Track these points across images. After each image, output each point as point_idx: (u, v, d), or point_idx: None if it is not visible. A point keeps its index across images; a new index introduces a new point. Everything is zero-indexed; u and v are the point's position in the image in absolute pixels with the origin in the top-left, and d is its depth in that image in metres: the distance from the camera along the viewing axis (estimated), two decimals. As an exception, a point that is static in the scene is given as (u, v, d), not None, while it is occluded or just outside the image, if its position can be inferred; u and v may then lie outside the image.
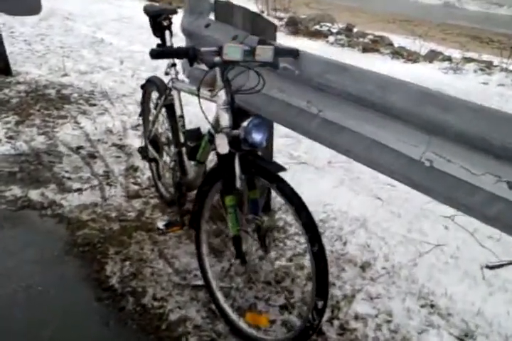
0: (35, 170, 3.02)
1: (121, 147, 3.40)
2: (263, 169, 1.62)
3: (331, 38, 9.58)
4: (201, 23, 2.24)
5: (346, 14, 13.17)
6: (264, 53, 1.61)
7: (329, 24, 10.55)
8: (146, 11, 2.25)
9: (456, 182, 1.41)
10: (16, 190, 2.79)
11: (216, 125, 1.75)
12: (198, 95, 1.70)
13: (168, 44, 2.19)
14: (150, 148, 2.55)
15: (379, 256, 2.33)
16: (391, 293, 2.08)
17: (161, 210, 2.62)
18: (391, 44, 9.38)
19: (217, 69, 1.66)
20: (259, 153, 1.73)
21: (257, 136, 1.61)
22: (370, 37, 9.89)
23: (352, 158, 1.71)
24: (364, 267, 2.24)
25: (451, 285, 2.16)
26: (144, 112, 2.74)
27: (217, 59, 1.58)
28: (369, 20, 12.91)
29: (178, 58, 1.73)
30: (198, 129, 2.03)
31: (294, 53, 1.81)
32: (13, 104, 3.96)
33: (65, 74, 5.00)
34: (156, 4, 2.31)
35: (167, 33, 2.19)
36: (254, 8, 13.02)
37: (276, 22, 11.45)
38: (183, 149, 2.18)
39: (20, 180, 2.91)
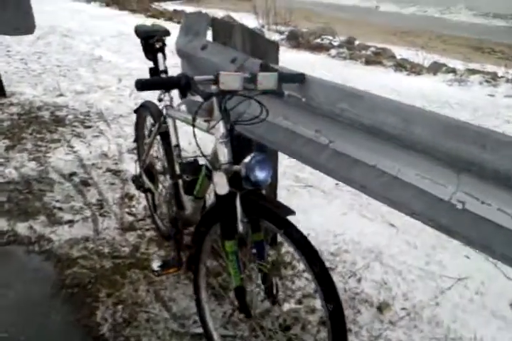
0: (24, 200, 2.83)
1: (116, 172, 3.21)
2: (268, 212, 1.42)
3: (333, 51, 9.45)
4: (197, 45, 2.06)
5: (347, 27, 13.08)
6: (267, 81, 1.44)
7: (330, 37, 10.44)
8: (137, 32, 2.08)
9: (493, 228, 1.21)
10: (2, 223, 2.60)
11: (214, 160, 1.56)
12: (193, 125, 1.52)
13: (161, 68, 2.02)
14: (144, 177, 2.36)
15: (397, 294, 2.12)
16: (414, 340, 1.87)
17: (157, 244, 2.42)
18: (393, 56, 9.25)
19: (215, 99, 1.48)
20: (264, 192, 1.54)
21: (261, 174, 1.42)
22: (372, 49, 9.76)
23: (368, 195, 1.52)
24: (381, 308, 2.03)
25: (479, 327, 1.95)
26: (138, 138, 2.56)
27: (213, 88, 1.40)
28: (369, 32, 12.82)
29: (168, 89, 1.55)
30: (195, 161, 1.84)
31: (299, 78, 1.63)
32: (5, 128, 3.79)
33: (61, 95, 4.85)
34: (148, 24, 2.11)
35: (160, 55, 2.02)
36: (255, 22, 12.99)
37: (277, 36, 11.36)
38: (180, 181, 1.98)
39: (8, 211, 2.72)
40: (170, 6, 14.36)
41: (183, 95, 1.38)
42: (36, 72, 5.77)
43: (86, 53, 7.09)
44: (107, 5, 13.10)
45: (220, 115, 1.49)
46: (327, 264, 2.18)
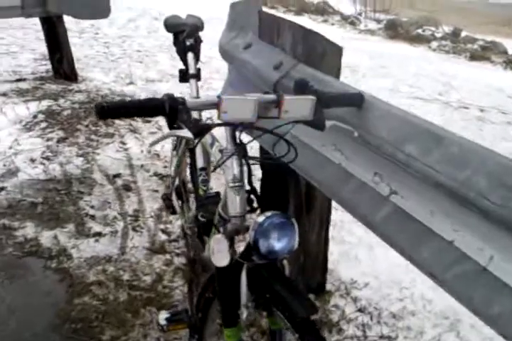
0: (59, 203, 2.61)
1: (163, 177, 2.90)
2: (282, 302, 0.99)
3: (434, 44, 8.56)
4: (240, 43, 1.63)
5: (454, 16, 11.90)
6: (298, 108, 1.00)
7: (433, 28, 9.50)
8: (166, 25, 1.69)
9: None
10: (29, 229, 2.38)
11: (224, 208, 1.15)
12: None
13: (192, 71, 1.62)
14: (174, 198, 2.00)
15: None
16: None
17: (183, 276, 2.06)
18: (505, 52, 8.17)
19: (227, 128, 1.07)
20: (285, 263, 1.09)
21: (278, 244, 0.99)
22: (480, 43, 8.72)
23: (439, 285, 1.02)
24: None
25: None
26: (177, 148, 2.20)
27: (208, 121, 0.99)
28: (480, 22, 11.56)
29: (146, 117, 1.14)
30: (217, 195, 1.44)
31: (354, 101, 1.15)
32: (63, 117, 3.62)
33: (131, 83, 4.66)
34: (181, 16, 1.73)
35: (190, 55, 1.63)
36: (352, 9, 12.24)
37: (374, 24, 10.58)
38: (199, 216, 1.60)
39: (39, 214, 2.50)
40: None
41: (169, 125, 0.98)
42: (115, 56, 5.64)
43: (169, 38, 6.90)
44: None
45: (233, 149, 1.08)
46: (385, 331, 1.70)
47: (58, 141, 3.25)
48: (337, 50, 1.41)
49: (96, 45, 6.21)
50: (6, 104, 3.75)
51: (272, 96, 1.01)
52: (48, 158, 3.03)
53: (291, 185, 1.67)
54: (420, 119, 1.05)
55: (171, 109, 0.95)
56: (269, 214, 1.02)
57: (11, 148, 3.13)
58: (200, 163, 1.64)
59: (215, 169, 1.13)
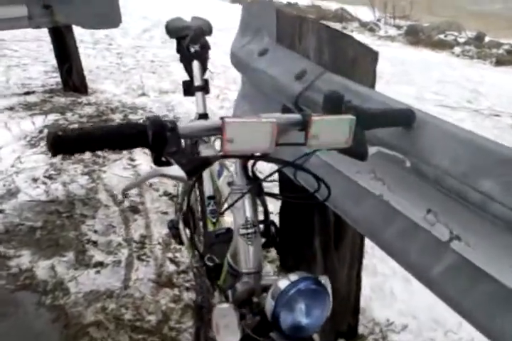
0: (59, 227, 2.39)
1: (173, 197, 2.66)
2: None
3: (457, 49, 8.24)
4: (255, 48, 1.39)
5: (477, 20, 11.55)
6: (331, 131, 0.75)
7: (456, 33, 9.18)
8: (167, 29, 1.47)
9: None
10: (24, 258, 2.16)
11: (234, 258, 0.91)
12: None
13: (197, 83, 1.38)
14: (181, 226, 1.75)
15: None
16: None
17: (193, 316, 1.81)
18: (534, 57, 7.82)
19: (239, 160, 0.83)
20: (316, 338, 0.83)
21: (305, 319, 0.74)
22: (506, 47, 8.38)
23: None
24: None
25: None
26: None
27: (208, 151, 0.76)
28: (505, 26, 11.18)
29: (121, 149, 0.88)
30: (227, 232, 1.20)
31: (403, 119, 0.89)
32: (69, 132, 3.41)
33: (143, 94, 4.46)
34: (185, 19, 1.48)
35: (195, 64, 1.38)
36: (370, 16, 11.98)
37: (394, 31, 10.29)
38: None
39: (37, 241, 2.28)
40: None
41: (154, 160, 0.73)
42: (127, 67, 5.47)
43: (184, 47, 6.73)
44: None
45: (244, 185, 0.84)
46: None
47: (63, 158, 3.04)
48: (372, 55, 1.16)
49: (109, 56, 6.07)
50: (11, 118, 3.58)
51: (295, 117, 0.77)
52: (50, 177, 2.82)
53: (316, 215, 1.41)
54: (498, 145, 0.78)
55: (156, 138, 0.70)
56: (294, 277, 0.76)
57: (13, 166, 2.93)
58: (208, 190, 1.39)
59: (222, 212, 0.89)
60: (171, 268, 2.10)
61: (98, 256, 2.18)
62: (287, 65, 1.21)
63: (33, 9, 3.61)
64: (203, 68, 1.44)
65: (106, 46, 6.59)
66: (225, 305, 0.82)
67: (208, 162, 0.76)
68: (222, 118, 0.71)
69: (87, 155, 3.11)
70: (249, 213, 0.86)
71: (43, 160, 2.99)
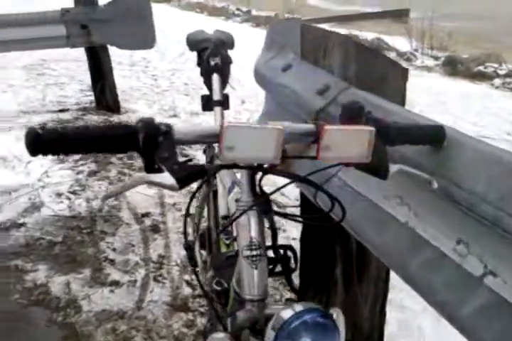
0: (79, 243, 2.36)
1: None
2: None
3: (497, 81, 8.08)
4: (278, 64, 1.34)
5: (518, 53, 11.34)
6: (347, 143, 0.68)
7: (495, 65, 9.01)
8: (188, 42, 1.44)
9: None
10: (41, 273, 2.13)
11: (238, 284, 0.84)
12: None
13: (216, 97, 1.34)
14: (197, 247, 1.68)
15: None
16: None
17: (205, 344, 1.72)
18: None
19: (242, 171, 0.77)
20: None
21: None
22: (550, 80, 8.17)
23: None
24: None
25: None
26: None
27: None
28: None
29: (106, 153, 0.81)
30: (234, 254, 1.13)
31: (432, 136, 0.82)
32: (98, 149, 3.44)
33: (174, 115, 4.49)
34: (207, 31, 1.45)
35: (215, 78, 1.34)
36: (407, 46, 11.94)
37: (431, 61, 10.19)
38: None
39: (55, 256, 2.26)
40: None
41: (146, 166, 0.68)
42: (160, 88, 5.56)
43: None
44: (257, 25, 13.03)
45: (250, 201, 0.78)
46: None
47: (89, 175, 3.05)
48: (401, 72, 1.09)
49: (144, 77, 6.19)
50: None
51: (307, 126, 0.70)
52: (75, 193, 2.82)
53: (338, 242, 1.32)
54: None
55: (148, 142, 0.65)
56: (299, 307, 0.69)
57: (39, 180, 2.95)
58: (222, 209, 1.33)
59: (222, 230, 0.83)
60: (187, 291, 2.02)
61: (114, 274, 2.13)
62: (310, 80, 1.16)
63: (71, 29, 3.71)
64: (224, 82, 1.40)
65: (142, 68, 6.74)
66: (220, 335, 0.74)
67: (203, 171, 0.69)
68: (221, 125, 0.66)
69: (113, 172, 3.11)
70: (254, 233, 0.79)
71: (69, 175, 3.00)
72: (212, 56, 1.35)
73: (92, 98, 4.47)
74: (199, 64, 1.45)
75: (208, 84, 1.39)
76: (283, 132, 0.66)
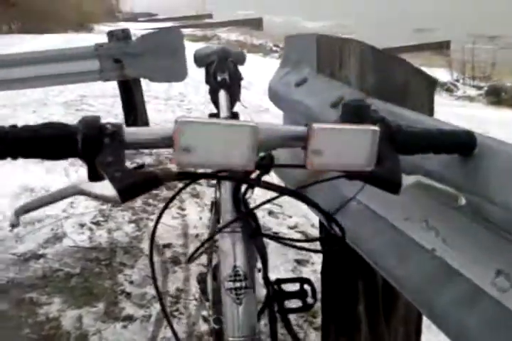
0: (96, 275, 2.27)
1: (218, 250, 2.48)
2: None
3: (544, 110, 7.74)
4: (293, 79, 1.23)
5: None
6: (344, 147, 0.55)
7: (542, 93, 8.68)
8: (195, 57, 1.36)
9: None
10: (54, 306, 2.04)
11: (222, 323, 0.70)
12: None
13: (223, 114, 1.23)
14: (209, 280, 1.55)
15: None
16: None
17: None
18: None
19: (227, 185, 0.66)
20: None
21: None
22: None
23: None
24: None
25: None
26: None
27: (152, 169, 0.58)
28: None
29: (38, 158, 0.68)
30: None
31: (459, 144, 0.68)
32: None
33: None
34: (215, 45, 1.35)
35: (222, 94, 1.23)
36: (448, 76, 11.74)
37: (473, 91, 9.93)
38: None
39: (71, 288, 2.17)
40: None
41: (89, 174, 0.56)
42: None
43: (253, 102, 6.80)
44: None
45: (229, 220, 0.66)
46: None
47: (113, 205, 2.99)
48: (427, 82, 0.96)
49: (179, 110, 6.25)
50: (72, 165, 3.64)
51: (298, 128, 0.58)
52: (97, 223, 2.76)
53: (361, 275, 1.17)
54: None
55: (88, 144, 0.54)
56: None
57: (64, 211, 2.91)
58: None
59: (189, 257, 0.71)
60: (203, 327, 1.88)
61: (129, 308, 2.01)
62: (325, 94, 1.04)
63: (104, 63, 3.76)
64: (233, 100, 1.29)
65: (177, 102, 6.83)
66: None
67: (155, 180, 0.57)
68: (176, 120, 0.54)
69: (138, 202, 3.04)
70: (238, 260, 0.66)
71: (94, 206, 2.95)
72: (219, 71, 1.26)
73: (125, 130, 4.50)
74: (207, 81, 1.35)
75: (215, 101, 1.29)
76: (257, 130, 0.54)
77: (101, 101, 6.34)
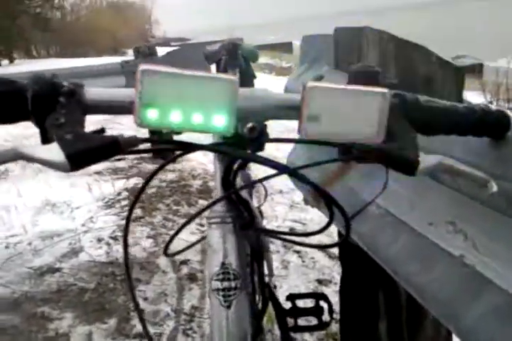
0: (110, 291, 2.20)
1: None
2: None
3: None
4: (309, 77, 1.16)
5: None
6: (341, 114, 0.46)
7: None
8: (205, 54, 1.30)
9: None
10: (65, 322, 1.97)
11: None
12: None
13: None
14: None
15: None
16: None
17: None
18: None
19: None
20: None
21: None
22: None
23: None
24: None
25: None
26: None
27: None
28: None
29: None
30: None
31: (489, 125, 0.58)
32: (147, 196, 3.36)
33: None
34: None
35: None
36: (480, 99, 11.53)
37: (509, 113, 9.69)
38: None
39: (84, 304, 2.10)
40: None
41: (42, 136, 0.49)
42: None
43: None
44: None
45: (223, 207, 0.58)
46: None
47: (133, 220, 2.94)
48: (455, 73, 0.87)
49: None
50: (96, 181, 3.64)
51: (295, 94, 0.50)
52: (115, 238, 2.70)
53: (381, 288, 1.06)
54: None
55: (38, 102, 0.47)
56: None
57: (83, 225, 2.88)
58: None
59: (165, 249, 0.63)
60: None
61: (140, 326, 1.92)
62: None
63: (130, 79, 3.79)
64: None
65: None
66: None
67: (113, 146, 0.48)
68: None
69: (158, 218, 2.98)
70: (229, 256, 0.57)
71: (113, 221, 2.91)
72: (229, 67, 1.19)
73: (148, 145, 4.50)
74: None
75: None
76: (236, 85, 0.47)
77: (129, 119, 6.42)
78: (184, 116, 0.47)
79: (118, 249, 2.58)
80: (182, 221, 2.94)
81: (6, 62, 20.59)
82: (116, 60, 4.61)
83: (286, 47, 22.59)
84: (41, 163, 0.45)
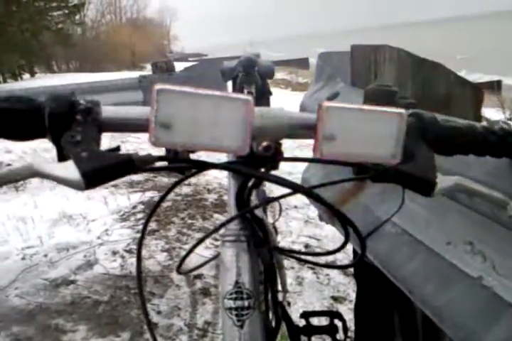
0: (124, 304, 2.20)
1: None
2: None
3: None
4: (325, 94, 1.16)
5: None
6: (357, 134, 0.46)
7: None
8: (221, 71, 1.31)
9: None
10: (78, 334, 1.98)
11: None
12: None
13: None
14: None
15: None
16: None
17: None
18: None
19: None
20: None
21: None
22: None
23: None
24: None
25: None
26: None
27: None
28: None
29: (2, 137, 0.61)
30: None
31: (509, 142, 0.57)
32: (161, 209, 3.37)
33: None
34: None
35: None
36: (499, 115, 11.43)
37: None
38: None
39: (98, 316, 2.10)
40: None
41: (58, 153, 0.49)
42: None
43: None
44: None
45: (237, 228, 0.59)
46: None
47: (147, 233, 2.95)
48: (473, 91, 0.87)
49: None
50: (112, 194, 3.67)
51: (310, 114, 0.50)
52: (130, 251, 2.72)
53: (397, 309, 1.04)
54: None
55: (55, 120, 0.47)
56: None
57: (98, 238, 2.90)
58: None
59: (179, 267, 0.62)
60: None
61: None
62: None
63: (147, 94, 3.85)
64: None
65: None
66: None
67: (128, 165, 0.47)
68: (156, 89, 0.47)
69: (172, 231, 2.99)
70: (242, 275, 0.57)
71: (128, 234, 2.92)
72: (245, 83, 1.20)
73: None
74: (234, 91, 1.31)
75: None
76: (252, 105, 0.47)
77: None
78: (199, 135, 0.47)
79: (132, 262, 2.59)
80: (197, 235, 2.94)
81: (27, 76, 21.03)
82: (135, 74, 4.69)
83: (302, 63, 22.72)
84: (56, 181, 0.45)
